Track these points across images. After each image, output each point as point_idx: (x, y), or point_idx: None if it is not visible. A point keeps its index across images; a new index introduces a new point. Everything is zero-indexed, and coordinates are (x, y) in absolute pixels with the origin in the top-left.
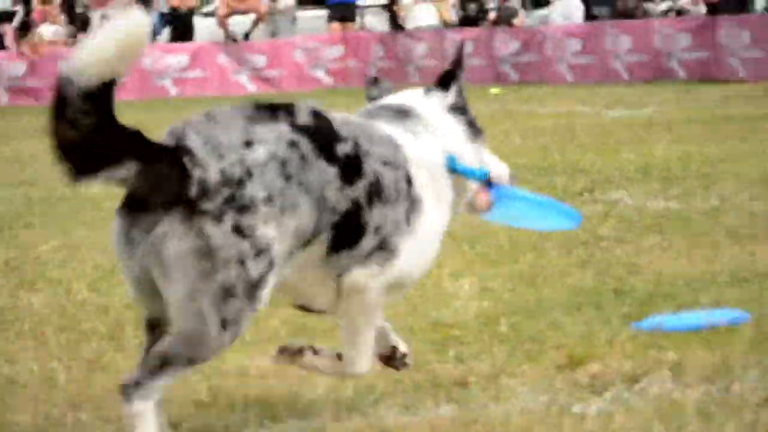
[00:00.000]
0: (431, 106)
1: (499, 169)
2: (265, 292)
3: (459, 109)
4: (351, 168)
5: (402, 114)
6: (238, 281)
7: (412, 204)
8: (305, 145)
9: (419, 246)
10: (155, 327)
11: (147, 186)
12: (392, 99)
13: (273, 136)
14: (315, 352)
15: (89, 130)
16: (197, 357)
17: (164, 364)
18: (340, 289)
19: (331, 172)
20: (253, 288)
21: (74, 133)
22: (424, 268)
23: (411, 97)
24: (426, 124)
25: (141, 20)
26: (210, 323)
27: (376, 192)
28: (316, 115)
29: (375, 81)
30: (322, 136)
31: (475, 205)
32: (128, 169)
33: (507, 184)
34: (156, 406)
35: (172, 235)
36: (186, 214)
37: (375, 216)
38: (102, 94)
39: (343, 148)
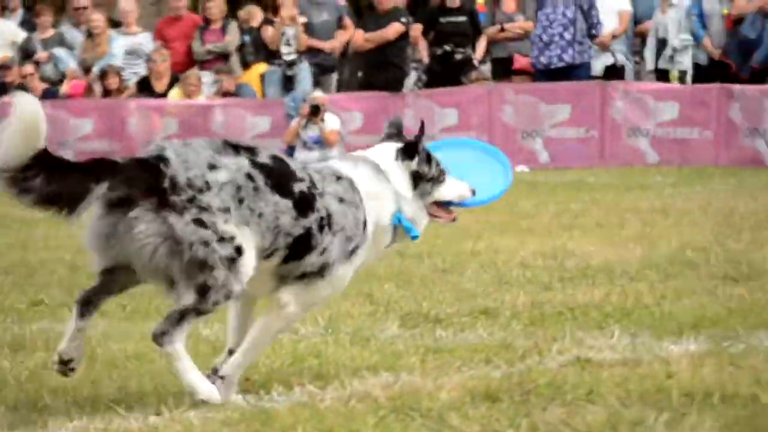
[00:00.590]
0: (397, 169)
1: (460, 192)
2: (244, 269)
3: (416, 173)
4: (304, 202)
5: (376, 169)
6: (211, 256)
7: (358, 243)
8: (260, 179)
9: (344, 276)
10: (104, 288)
11: (124, 185)
12: (374, 154)
13: (234, 167)
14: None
15: (43, 186)
16: (201, 311)
17: (181, 315)
18: (272, 300)
19: (285, 203)
20: (231, 261)
21: (33, 195)
22: (336, 295)
23: (386, 158)
24: (391, 184)
25: (32, 106)
26: (197, 286)
27: (328, 223)
28: (275, 158)
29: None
30: (277, 174)
31: (441, 221)
32: (100, 189)
33: (468, 200)
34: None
35: (143, 219)
36: (157, 203)
37: (325, 241)
38: (35, 161)
39: (298, 187)
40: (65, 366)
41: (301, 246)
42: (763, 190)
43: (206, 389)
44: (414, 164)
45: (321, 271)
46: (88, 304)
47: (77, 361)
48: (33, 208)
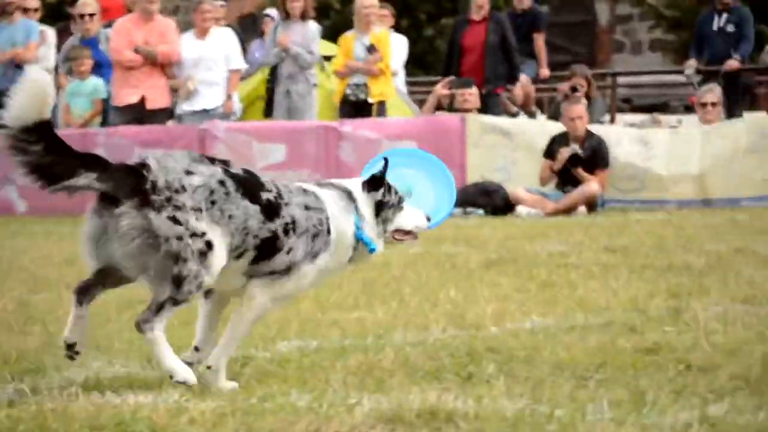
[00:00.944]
0: (363, 197)
1: (416, 222)
2: (215, 262)
3: (381, 203)
4: (270, 210)
5: (349, 198)
6: (184, 250)
7: (323, 244)
8: (231, 186)
9: (308, 274)
10: (99, 280)
11: (111, 183)
12: (344, 182)
13: (207, 173)
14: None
15: (39, 154)
16: (177, 301)
17: (160, 305)
18: (244, 295)
19: (253, 208)
20: (202, 255)
21: (29, 158)
22: (297, 294)
23: (354, 188)
24: (356, 208)
25: (43, 76)
26: (171, 277)
27: (292, 227)
28: (246, 170)
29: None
30: (247, 183)
31: (401, 244)
32: (86, 178)
33: (425, 226)
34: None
35: (127, 215)
36: (139, 201)
37: (290, 243)
38: (38, 128)
39: (265, 196)
40: (71, 350)
41: (268, 248)
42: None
43: (183, 372)
44: (379, 195)
45: (287, 270)
46: (84, 294)
47: (80, 344)
48: (23, 169)
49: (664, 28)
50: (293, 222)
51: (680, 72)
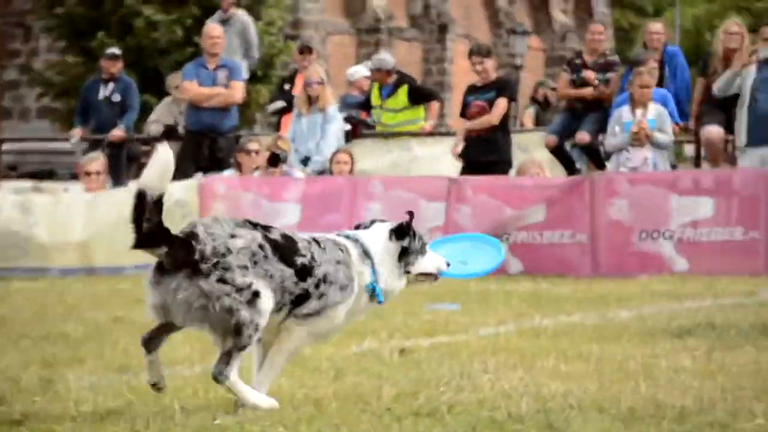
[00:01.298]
0: (384, 246)
1: (437, 265)
2: (263, 306)
3: (406, 250)
4: (304, 272)
5: (365, 252)
6: (234, 303)
7: (347, 292)
8: (269, 250)
9: (338, 317)
10: (162, 331)
11: (171, 259)
12: (364, 236)
13: (249, 237)
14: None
15: (154, 223)
16: (241, 346)
17: (229, 354)
18: (282, 330)
19: (289, 272)
20: (249, 303)
21: (148, 225)
22: (332, 332)
23: (378, 237)
24: (372, 262)
25: (169, 154)
26: (232, 327)
27: (324, 281)
28: (284, 235)
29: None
30: (283, 248)
31: (426, 283)
32: (161, 250)
33: (444, 270)
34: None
35: (182, 285)
36: (190, 272)
37: (318, 293)
38: (160, 201)
39: (299, 261)
40: (155, 388)
41: (302, 300)
42: None
43: (266, 402)
44: (404, 242)
45: (320, 312)
46: (150, 342)
47: (161, 380)
48: (134, 228)
49: (51, 95)
50: (325, 277)
51: (66, 140)
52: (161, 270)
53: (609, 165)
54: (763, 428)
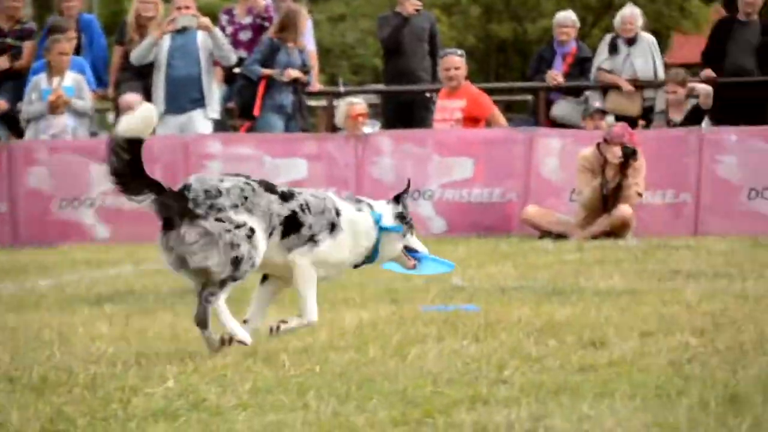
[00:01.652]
0: (386, 209)
1: (420, 247)
2: (260, 243)
3: (400, 214)
4: (286, 197)
5: (362, 202)
6: (236, 238)
7: (334, 225)
8: (254, 185)
9: (329, 246)
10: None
11: (164, 208)
12: (368, 200)
13: (236, 179)
14: (284, 321)
15: (124, 164)
16: (235, 278)
17: (222, 284)
18: (292, 266)
19: (273, 197)
20: (248, 238)
21: (116, 164)
22: (334, 265)
23: (378, 202)
24: (372, 207)
25: (151, 109)
26: (230, 260)
27: (307, 208)
28: (262, 180)
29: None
30: (266, 184)
31: (404, 264)
32: (146, 199)
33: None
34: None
35: (187, 230)
36: (191, 218)
37: (308, 222)
38: (133, 144)
39: (282, 190)
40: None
41: (291, 224)
42: None
43: (242, 334)
44: (399, 207)
45: (311, 239)
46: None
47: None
48: (109, 170)
49: None
50: (307, 204)
51: None
52: (166, 227)
53: (28, 133)
54: (172, 391)
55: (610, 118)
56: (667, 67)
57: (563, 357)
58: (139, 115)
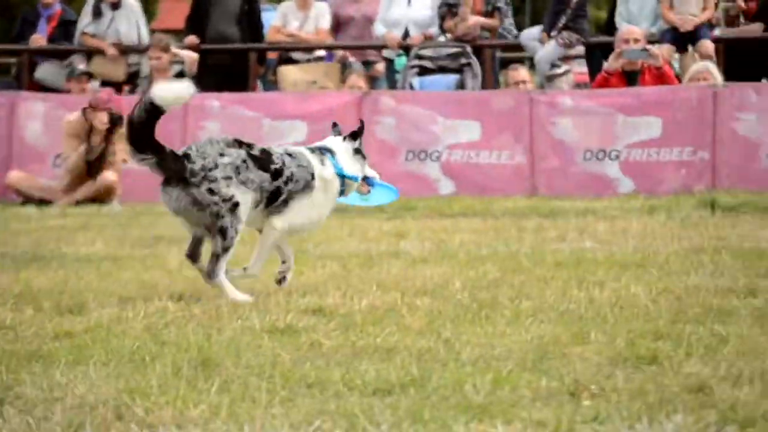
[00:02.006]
0: (342, 146)
1: (373, 173)
2: (241, 214)
3: (357, 150)
4: (276, 174)
5: (324, 151)
6: (221, 210)
7: (309, 186)
8: (250, 162)
9: (307, 208)
10: (196, 240)
11: (165, 170)
12: (326, 140)
13: (235, 155)
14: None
15: (140, 124)
16: (226, 248)
17: (216, 256)
18: (266, 224)
19: (266, 176)
20: (231, 211)
21: (134, 121)
22: (308, 223)
23: (335, 140)
24: (334, 155)
25: (189, 88)
26: (217, 230)
27: (290, 179)
28: (263, 150)
29: (335, 125)
30: (262, 160)
31: (360, 191)
32: (149, 159)
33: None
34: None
35: (180, 195)
36: (185, 184)
37: (287, 189)
38: (155, 109)
39: (274, 166)
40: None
41: (275, 196)
42: None
43: (242, 298)
44: (356, 144)
45: (287, 202)
46: (192, 256)
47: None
48: (128, 124)
49: None
50: (291, 175)
51: None
52: (166, 183)
53: None
54: None
55: (96, 83)
56: (152, 32)
57: (39, 324)
58: (176, 89)
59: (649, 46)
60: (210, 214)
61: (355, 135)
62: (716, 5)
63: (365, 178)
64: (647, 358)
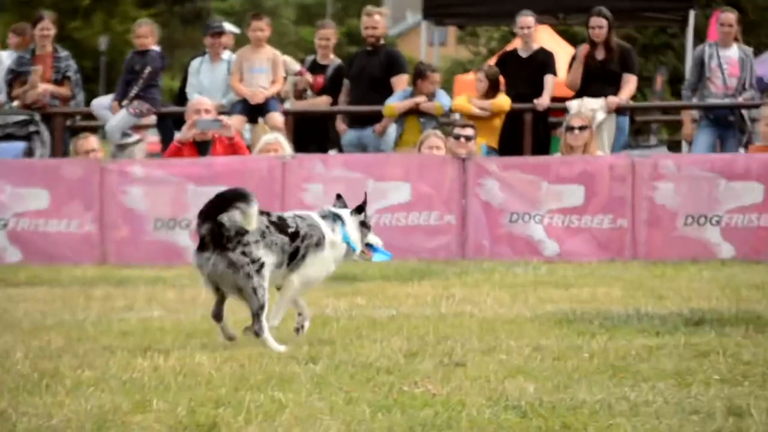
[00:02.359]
0: (351, 219)
1: (377, 240)
2: (266, 274)
3: (363, 222)
4: (294, 236)
5: (336, 218)
6: (251, 270)
7: (320, 243)
8: (272, 228)
9: (314, 269)
10: (219, 300)
11: (205, 237)
12: (336, 210)
13: (259, 221)
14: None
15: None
16: (261, 305)
17: (257, 315)
18: (286, 281)
19: (285, 239)
20: (258, 272)
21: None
22: (318, 279)
23: (344, 211)
24: (343, 224)
25: (255, 209)
26: (250, 291)
27: (305, 237)
28: (279, 216)
29: (339, 197)
30: (280, 226)
31: (365, 258)
32: (207, 227)
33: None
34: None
35: (217, 260)
36: (222, 250)
37: (303, 246)
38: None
39: (290, 229)
40: (230, 339)
41: (294, 256)
42: None
43: (280, 348)
44: (362, 217)
45: (304, 258)
46: (216, 315)
47: (234, 337)
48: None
49: None
50: (305, 235)
51: None
52: (201, 249)
53: None
54: None
55: None
56: None
57: None
58: (245, 214)
59: (221, 117)
60: (242, 276)
61: (360, 209)
62: (285, 79)
63: (368, 245)
64: (207, 426)
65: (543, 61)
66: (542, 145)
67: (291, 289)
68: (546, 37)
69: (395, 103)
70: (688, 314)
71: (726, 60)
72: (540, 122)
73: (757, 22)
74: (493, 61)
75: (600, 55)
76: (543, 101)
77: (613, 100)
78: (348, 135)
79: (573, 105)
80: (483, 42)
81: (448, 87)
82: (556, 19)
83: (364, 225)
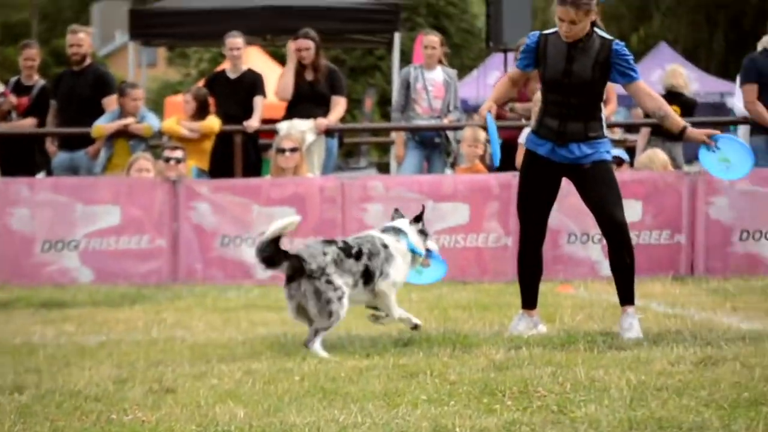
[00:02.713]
0: (410, 227)
1: (434, 246)
2: (345, 301)
3: (421, 230)
4: (358, 256)
5: (397, 230)
6: (333, 297)
7: (389, 253)
8: (341, 254)
9: (396, 272)
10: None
11: (291, 271)
12: (395, 222)
13: (331, 251)
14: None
15: (270, 255)
16: (327, 327)
17: (317, 331)
18: (377, 293)
19: (352, 261)
20: (339, 299)
21: (264, 255)
22: (399, 283)
23: (403, 222)
24: (405, 233)
25: (295, 220)
26: (326, 313)
27: (371, 255)
28: (344, 241)
29: (396, 211)
30: (346, 250)
31: (424, 265)
32: (282, 268)
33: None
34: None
35: (306, 288)
36: (310, 279)
37: (376, 265)
38: (275, 241)
39: (353, 251)
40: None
41: (367, 273)
42: None
43: (326, 355)
44: (420, 225)
45: (381, 268)
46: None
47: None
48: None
49: None
50: (369, 251)
51: None
52: (290, 281)
53: None
54: None
55: None
56: None
57: None
58: (282, 223)
59: None
60: (325, 301)
61: (418, 218)
62: None
63: (427, 251)
64: None
65: (252, 83)
66: (254, 167)
67: (387, 296)
68: (256, 58)
69: (104, 125)
70: (397, 335)
71: (431, 82)
72: (250, 144)
73: (461, 45)
74: (202, 82)
75: (309, 76)
76: (252, 123)
77: (321, 122)
78: (59, 157)
79: (283, 127)
80: (193, 63)
81: (158, 109)
82: (264, 40)
83: (422, 233)
